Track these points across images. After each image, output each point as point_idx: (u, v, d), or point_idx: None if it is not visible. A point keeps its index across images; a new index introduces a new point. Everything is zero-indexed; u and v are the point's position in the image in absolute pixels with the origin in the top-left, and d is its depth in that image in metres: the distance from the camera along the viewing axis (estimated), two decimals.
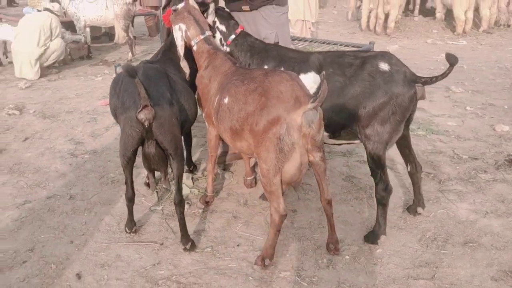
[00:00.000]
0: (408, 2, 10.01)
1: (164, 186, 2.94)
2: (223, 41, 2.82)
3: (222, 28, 2.82)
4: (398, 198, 2.97)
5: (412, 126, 3.98)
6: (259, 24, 2.89)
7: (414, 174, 2.68)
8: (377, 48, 7.51)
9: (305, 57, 2.56)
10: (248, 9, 2.91)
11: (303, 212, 2.84)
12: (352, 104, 2.37)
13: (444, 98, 4.98)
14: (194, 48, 2.67)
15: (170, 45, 2.86)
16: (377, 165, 2.39)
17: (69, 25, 7.04)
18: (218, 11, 2.85)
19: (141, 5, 8.15)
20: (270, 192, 2.19)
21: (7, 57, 6.61)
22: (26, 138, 3.99)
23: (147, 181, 3.06)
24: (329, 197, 2.32)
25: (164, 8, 2.95)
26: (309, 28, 7.03)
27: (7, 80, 5.84)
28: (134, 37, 7.60)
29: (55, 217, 2.79)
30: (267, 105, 2.11)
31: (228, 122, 2.32)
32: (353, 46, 4.62)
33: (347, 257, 2.42)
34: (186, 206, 2.86)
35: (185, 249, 2.45)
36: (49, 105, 4.83)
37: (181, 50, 2.67)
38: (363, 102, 2.34)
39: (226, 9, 2.98)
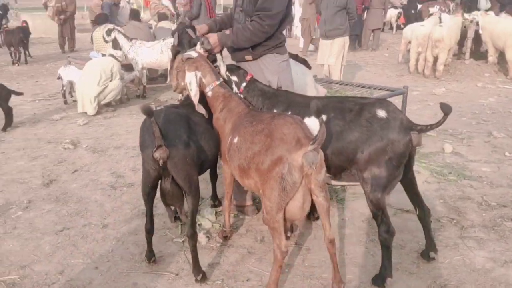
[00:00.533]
0: (462, 45, 9.90)
1: (181, 220, 3.11)
2: (236, 90, 2.99)
3: (234, 78, 3.02)
4: (415, 243, 2.96)
5: (444, 171, 3.98)
6: (262, 71, 3.09)
7: (423, 219, 2.71)
8: (423, 91, 7.53)
9: (310, 101, 2.67)
10: (251, 58, 3.09)
11: (316, 251, 2.90)
12: (351, 148, 2.47)
13: (484, 143, 4.86)
14: (209, 93, 2.86)
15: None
16: (376, 208, 2.45)
17: (127, 67, 7.66)
18: (228, 65, 3.06)
19: None
20: (273, 228, 2.31)
21: (72, 96, 7.26)
22: (75, 170, 4.37)
23: (176, 215, 3.23)
24: (332, 237, 2.39)
25: (174, 58, 3.16)
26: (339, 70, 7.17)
27: (69, 117, 6.42)
28: None
29: (86, 244, 3.04)
30: (271, 145, 2.27)
31: (237, 160, 2.49)
32: (387, 90, 4.69)
33: None
34: (206, 239, 3.03)
35: (196, 280, 2.60)
36: (100, 141, 5.26)
37: (196, 96, 2.82)
38: (361, 147, 2.44)
39: (233, 63, 3.21)
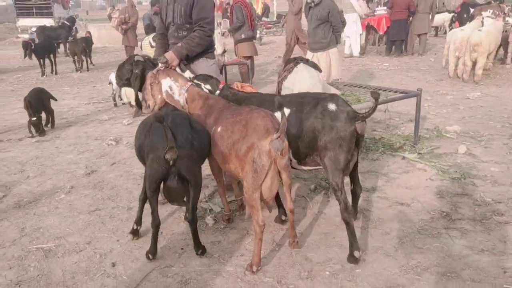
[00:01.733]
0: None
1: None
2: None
3: (208, 86, 3.40)
4: (401, 231, 3.20)
5: (450, 170, 4.14)
6: (195, 74, 3.65)
7: (354, 192, 3.24)
8: (456, 95, 7.55)
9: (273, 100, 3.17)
10: (187, 63, 3.70)
11: (308, 235, 3.22)
12: (311, 136, 2.90)
13: (502, 145, 4.92)
14: (185, 95, 3.22)
15: None
16: (336, 188, 2.84)
17: None
18: (201, 75, 3.51)
19: (236, 55, 9.20)
20: (251, 206, 2.70)
21: (121, 99, 7.98)
22: (114, 163, 4.95)
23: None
24: (291, 207, 2.91)
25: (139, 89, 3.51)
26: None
27: (116, 117, 7.11)
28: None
29: (112, 222, 3.55)
30: (247, 134, 2.67)
31: (220, 147, 2.87)
32: (401, 93, 4.89)
33: (327, 272, 2.76)
34: (212, 222, 3.44)
35: (197, 254, 3.01)
36: None
37: (180, 96, 3.22)
38: (318, 135, 2.86)
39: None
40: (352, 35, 13.07)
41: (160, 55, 3.61)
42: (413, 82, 9.01)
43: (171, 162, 2.71)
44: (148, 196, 2.90)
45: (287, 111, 2.98)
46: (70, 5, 27.29)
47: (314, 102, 2.94)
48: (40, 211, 3.80)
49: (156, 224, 2.93)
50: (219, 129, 2.91)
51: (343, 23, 6.50)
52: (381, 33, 13.79)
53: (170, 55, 3.47)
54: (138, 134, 3.06)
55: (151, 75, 3.30)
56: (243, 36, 8.57)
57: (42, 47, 11.79)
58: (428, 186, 3.90)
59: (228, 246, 3.13)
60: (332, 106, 2.86)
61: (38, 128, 6.11)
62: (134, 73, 3.42)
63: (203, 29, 3.56)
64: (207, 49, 3.75)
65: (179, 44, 3.55)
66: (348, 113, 2.83)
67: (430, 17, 12.90)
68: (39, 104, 6.08)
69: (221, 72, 8.27)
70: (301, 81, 4.14)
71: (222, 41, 9.01)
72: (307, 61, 4.40)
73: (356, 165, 3.07)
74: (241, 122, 2.74)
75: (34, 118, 5.99)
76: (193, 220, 2.93)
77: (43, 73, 11.68)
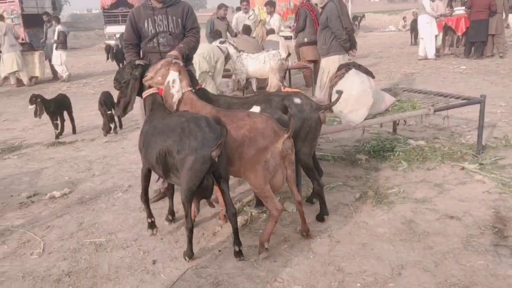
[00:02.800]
0: None
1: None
2: None
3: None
4: (441, 244, 3.03)
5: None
6: None
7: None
8: None
9: (245, 100, 3.60)
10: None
11: (345, 244, 3.17)
12: (282, 126, 3.08)
13: None
14: (180, 96, 3.32)
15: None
16: (308, 169, 3.44)
17: None
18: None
19: (299, 58, 9.21)
20: (266, 197, 2.97)
21: None
22: None
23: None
24: (299, 198, 3.20)
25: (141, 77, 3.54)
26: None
27: None
28: (285, 86, 8.64)
29: (160, 221, 3.72)
30: (254, 138, 2.90)
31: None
32: (463, 99, 4.63)
33: (359, 284, 2.70)
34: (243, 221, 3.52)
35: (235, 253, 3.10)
36: None
37: (178, 92, 3.34)
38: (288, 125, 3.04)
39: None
40: (427, 36, 12.49)
41: (133, 61, 3.69)
42: (489, 86, 8.43)
43: (216, 160, 2.79)
44: (186, 199, 2.91)
45: (257, 108, 3.38)
46: None
47: (280, 98, 3.43)
48: (99, 207, 4.10)
49: (190, 228, 3.01)
50: None
51: (347, 30, 5.78)
52: (459, 34, 13.05)
53: (176, 53, 3.64)
54: (161, 138, 3.05)
55: (169, 60, 3.42)
56: (305, 40, 8.56)
57: (122, 52, 12.57)
58: (484, 200, 3.66)
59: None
60: (297, 100, 3.36)
61: (110, 128, 6.65)
62: (133, 75, 3.49)
63: (196, 36, 3.96)
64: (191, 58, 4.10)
65: (181, 45, 3.79)
66: (311, 105, 3.40)
67: (504, 16, 12.02)
68: (109, 104, 6.53)
69: (284, 76, 8.31)
70: (352, 87, 4.08)
71: (285, 45, 9.05)
72: (359, 67, 4.32)
73: (314, 154, 3.66)
74: (244, 127, 2.95)
75: (110, 112, 6.51)
76: (234, 215, 3.02)
77: None
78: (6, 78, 12.54)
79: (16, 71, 12.10)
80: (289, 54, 8.07)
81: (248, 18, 10.77)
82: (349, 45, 5.88)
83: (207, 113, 3.12)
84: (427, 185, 4.04)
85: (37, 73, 12.75)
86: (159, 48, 3.88)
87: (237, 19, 10.47)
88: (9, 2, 22.01)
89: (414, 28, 16.31)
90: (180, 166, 2.90)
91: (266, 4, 11.50)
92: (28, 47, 13.30)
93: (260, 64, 7.92)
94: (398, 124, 5.57)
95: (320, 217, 3.51)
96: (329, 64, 5.83)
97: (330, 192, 4.03)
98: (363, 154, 4.90)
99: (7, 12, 21.41)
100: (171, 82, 3.36)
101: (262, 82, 9.56)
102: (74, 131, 6.93)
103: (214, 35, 9.15)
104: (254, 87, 8.78)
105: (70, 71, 13.51)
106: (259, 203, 3.71)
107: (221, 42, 8.04)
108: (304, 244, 3.20)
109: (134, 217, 3.84)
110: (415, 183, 4.10)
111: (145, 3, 3.93)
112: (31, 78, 12.54)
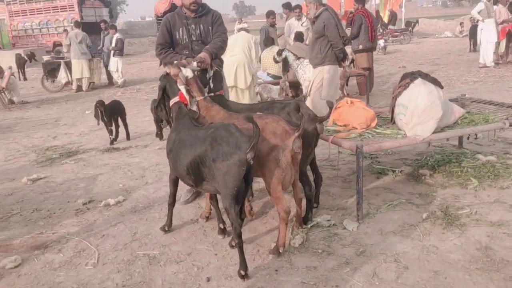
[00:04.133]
0: None
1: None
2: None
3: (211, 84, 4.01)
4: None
5: None
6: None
7: (317, 182, 3.90)
8: None
9: (250, 107, 3.95)
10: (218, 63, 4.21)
11: (414, 271, 2.91)
12: None
13: None
14: (195, 105, 3.54)
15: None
16: (302, 175, 3.48)
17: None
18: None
19: (354, 66, 8.92)
20: (277, 198, 3.09)
21: None
22: None
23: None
24: (300, 196, 3.46)
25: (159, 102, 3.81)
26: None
27: None
28: (344, 94, 8.37)
29: (214, 234, 3.61)
30: (266, 138, 3.05)
31: None
32: None
33: None
34: (300, 241, 3.31)
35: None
36: None
37: (187, 95, 3.54)
38: None
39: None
40: (486, 43, 11.84)
41: (176, 59, 3.93)
42: None
43: (251, 162, 2.82)
44: (229, 205, 2.89)
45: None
46: None
47: (282, 106, 3.65)
48: (152, 217, 4.04)
49: (238, 233, 2.92)
50: None
51: (344, 39, 5.53)
52: None
53: (204, 55, 3.87)
54: (190, 150, 3.10)
55: (176, 72, 3.54)
56: (360, 46, 8.28)
57: None
58: None
59: (324, 273, 2.96)
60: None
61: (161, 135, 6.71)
62: (159, 86, 3.78)
63: (223, 37, 4.13)
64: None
65: (208, 46, 3.98)
66: (309, 115, 3.47)
67: None
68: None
69: (346, 84, 8.03)
70: (418, 98, 3.81)
71: (349, 51, 8.78)
72: (426, 76, 4.04)
73: (314, 159, 3.82)
74: None
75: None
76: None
77: None
78: (67, 84, 13.02)
79: (83, 77, 12.59)
80: (352, 61, 7.76)
81: (301, 25, 10.59)
82: (343, 55, 5.81)
83: (221, 118, 3.40)
84: (502, 206, 3.69)
85: (95, 79, 13.18)
86: (193, 56, 3.99)
87: (290, 26, 10.30)
88: (69, 10, 23.05)
89: (473, 34, 15.56)
90: (217, 174, 2.92)
91: None
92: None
93: None
94: (468, 138, 5.17)
95: (305, 221, 3.57)
96: (323, 73, 5.76)
97: (393, 210, 3.77)
98: (426, 169, 4.59)
99: (67, 20, 22.46)
100: (185, 93, 3.58)
101: None
102: (128, 137, 7.00)
103: (267, 42, 9.06)
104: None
105: (125, 77, 13.86)
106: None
107: (280, 50, 7.89)
108: (368, 268, 2.97)
109: (187, 229, 3.74)
110: (488, 203, 3.76)
111: (179, 11, 4.19)
112: (88, 84, 12.97)
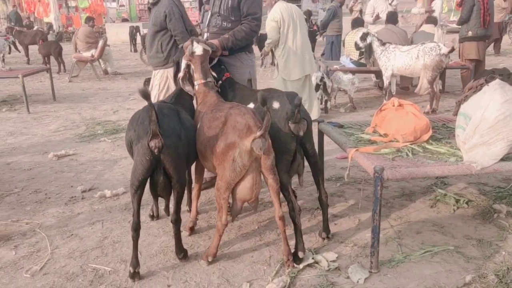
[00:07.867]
0: None
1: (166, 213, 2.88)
2: (214, 83, 3.27)
3: (214, 74, 3.31)
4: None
5: None
6: (236, 66, 3.64)
7: (321, 200, 2.99)
8: None
9: (252, 94, 3.17)
10: (227, 53, 3.55)
11: None
12: None
13: None
14: (196, 87, 3.15)
15: (181, 90, 3.22)
16: (283, 188, 2.72)
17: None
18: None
19: (459, 56, 7.35)
20: (219, 204, 2.63)
21: None
22: None
23: (151, 214, 3.46)
24: (281, 214, 2.63)
25: (175, 75, 3.41)
26: None
27: None
28: (440, 90, 6.90)
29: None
30: (225, 132, 2.55)
31: (199, 144, 2.78)
32: None
33: None
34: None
35: (179, 258, 2.84)
36: None
37: (182, 71, 3.15)
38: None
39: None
40: None
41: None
42: None
43: (156, 152, 2.48)
44: (131, 194, 2.62)
45: (251, 105, 2.99)
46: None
47: (277, 94, 2.91)
48: None
49: (135, 227, 2.62)
50: (199, 125, 2.84)
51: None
52: None
53: (216, 43, 3.39)
54: (128, 128, 2.81)
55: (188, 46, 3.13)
56: (470, 33, 6.71)
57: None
58: None
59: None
60: (276, 105, 2.78)
61: None
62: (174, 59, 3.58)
63: (251, 24, 3.51)
64: (249, 44, 3.72)
65: (226, 36, 3.47)
66: (287, 113, 2.72)
67: None
68: None
69: (439, 77, 6.62)
70: (488, 107, 2.63)
71: (442, 38, 7.28)
72: (508, 77, 2.77)
73: (315, 171, 2.98)
74: (219, 118, 2.66)
75: None
76: (176, 221, 2.74)
77: None
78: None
79: None
80: (452, 49, 6.26)
81: (390, 3, 9.09)
82: None
83: (209, 105, 2.99)
84: None
85: None
86: (208, 29, 3.68)
87: (374, 6, 8.87)
88: None
89: None
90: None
91: None
92: None
93: (411, 60, 6.36)
94: None
95: (295, 257, 2.73)
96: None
97: (429, 261, 2.71)
98: (505, 204, 3.32)
99: None
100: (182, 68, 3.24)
101: (406, 82, 7.96)
102: None
103: (355, 23, 7.89)
104: (393, 88, 7.27)
105: None
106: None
107: (364, 35, 6.76)
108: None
109: (160, 244, 3.08)
110: None
111: None
112: None
